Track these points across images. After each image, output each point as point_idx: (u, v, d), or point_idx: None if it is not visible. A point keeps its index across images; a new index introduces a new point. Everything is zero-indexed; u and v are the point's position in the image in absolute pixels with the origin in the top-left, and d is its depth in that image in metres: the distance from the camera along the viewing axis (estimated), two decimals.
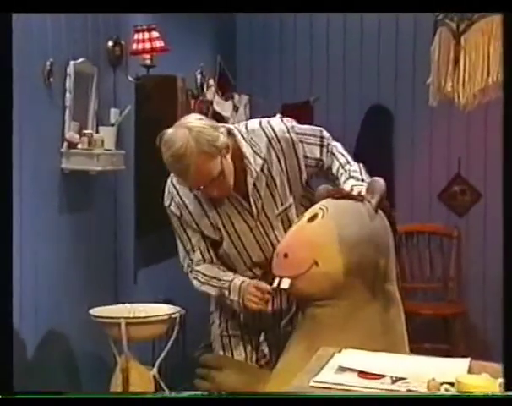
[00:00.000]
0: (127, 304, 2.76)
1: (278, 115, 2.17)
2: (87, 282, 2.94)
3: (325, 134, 2.16)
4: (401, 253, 4.31)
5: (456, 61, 2.48)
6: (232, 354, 2.21)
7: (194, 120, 1.96)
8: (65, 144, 2.75)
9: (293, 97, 4.40)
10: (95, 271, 3.02)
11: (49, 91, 2.66)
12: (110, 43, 3.08)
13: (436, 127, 4.27)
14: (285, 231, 2.07)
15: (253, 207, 2.06)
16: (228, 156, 1.98)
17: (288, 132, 2.08)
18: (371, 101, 4.38)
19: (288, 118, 2.14)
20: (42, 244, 2.65)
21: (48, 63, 2.62)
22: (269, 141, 2.06)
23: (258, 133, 2.07)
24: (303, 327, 1.99)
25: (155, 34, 3.11)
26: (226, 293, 2.09)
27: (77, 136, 2.77)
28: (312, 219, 1.96)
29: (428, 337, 3.94)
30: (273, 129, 2.08)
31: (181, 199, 2.09)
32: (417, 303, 4.19)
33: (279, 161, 2.07)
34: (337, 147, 2.16)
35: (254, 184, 2.05)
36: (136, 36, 3.11)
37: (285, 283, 1.91)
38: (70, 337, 2.82)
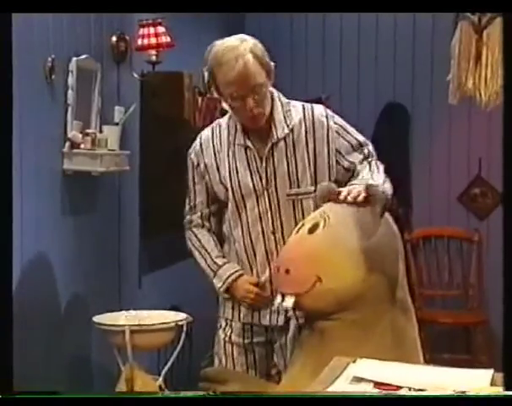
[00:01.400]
0: (131, 311, 2.76)
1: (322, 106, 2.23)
2: (90, 288, 2.95)
3: (370, 146, 2.18)
4: (419, 258, 4.30)
5: (478, 57, 2.47)
6: (234, 363, 2.20)
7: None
8: (67, 144, 2.76)
9: (304, 95, 4.35)
10: (98, 276, 3.03)
11: (50, 89, 2.68)
12: (114, 38, 3.09)
13: (455, 126, 4.26)
14: (296, 220, 2.07)
15: (264, 172, 2.08)
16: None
17: (326, 117, 2.13)
18: (386, 98, 4.37)
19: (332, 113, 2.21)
20: (44, 247, 2.66)
21: (50, 60, 2.63)
22: (304, 118, 2.12)
23: (296, 108, 2.14)
24: (310, 341, 1.97)
25: (160, 29, 3.12)
26: (211, 274, 2.16)
27: (80, 136, 2.78)
28: (313, 229, 1.94)
29: (448, 347, 3.92)
30: (312, 110, 2.14)
31: (200, 146, 2.18)
32: (436, 311, 4.18)
33: (306, 140, 2.10)
34: (377, 164, 2.15)
35: (272, 148, 2.08)
36: (141, 31, 3.12)
37: (289, 302, 1.91)
38: (72, 346, 2.83)
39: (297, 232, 1.99)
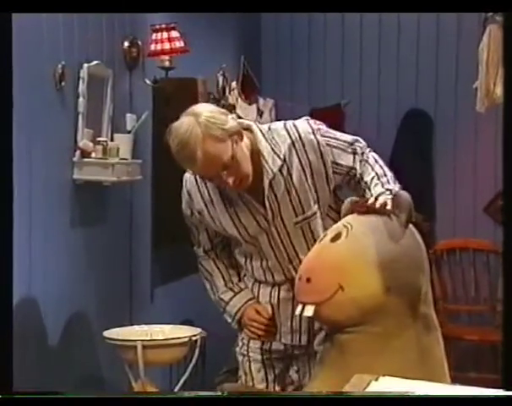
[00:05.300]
0: (143, 326, 2.78)
1: (305, 117, 2.16)
2: (100, 301, 2.97)
3: (360, 142, 2.16)
4: (443, 271, 4.28)
5: None
6: (253, 382, 2.22)
7: (202, 107, 2.03)
8: (78, 153, 2.79)
9: (323, 101, 4.41)
10: (109, 290, 3.05)
11: (61, 96, 2.70)
12: (126, 44, 3.13)
13: (482, 134, 4.24)
14: (307, 242, 2.10)
15: (269, 210, 2.08)
16: (242, 144, 2.01)
17: (313, 133, 2.08)
18: (408, 104, 4.37)
19: (317, 121, 2.15)
20: (53, 259, 2.69)
21: (60, 66, 2.66)
22: (293, 143, 2.07)
23: (281, 133, 2.08)
24: (331, 355, 1.98)
25: (174, 33, 3.14)
26: (221, 310, 2.23)
27: (90, 144, 2.81)
28: (335, 238, 1.95)
29: (474, 366, 3.89)
30: (297, 130, 2.08)
31: (189, 195, 2.16)
32: (461, 327, 4.15)
33: (301, 164, 2.07)
34: (374, 157, 2.16)
35: (271, 185, 2.06)
36: (154, 36, 3.15)
37: (309, 311, 1.92)
38: (81, 361, 2.85)
39: (320, 241, 2.01)
